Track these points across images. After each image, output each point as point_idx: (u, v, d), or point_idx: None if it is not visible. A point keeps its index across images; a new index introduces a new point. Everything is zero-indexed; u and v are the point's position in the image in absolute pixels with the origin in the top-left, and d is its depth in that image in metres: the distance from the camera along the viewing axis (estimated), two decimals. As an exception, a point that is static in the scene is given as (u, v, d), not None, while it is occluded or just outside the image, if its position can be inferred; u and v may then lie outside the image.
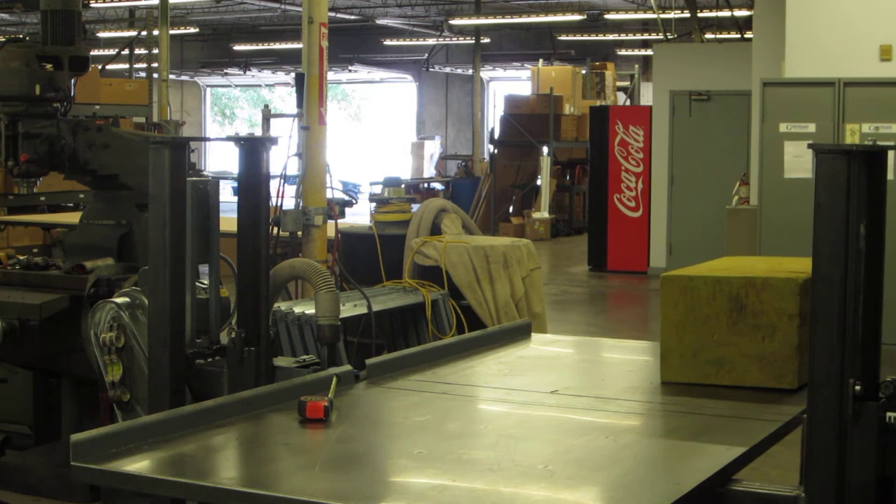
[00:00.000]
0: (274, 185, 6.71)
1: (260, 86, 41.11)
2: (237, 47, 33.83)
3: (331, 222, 7.59)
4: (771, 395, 3.39)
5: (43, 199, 14.47)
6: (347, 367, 3.61)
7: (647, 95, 22.16)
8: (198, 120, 39.76)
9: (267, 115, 13.28)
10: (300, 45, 8.26)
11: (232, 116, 44.15)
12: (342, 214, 8.22)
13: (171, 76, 23.01)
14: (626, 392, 3.57)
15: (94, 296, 5.47)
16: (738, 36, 19.54)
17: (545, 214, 20.56)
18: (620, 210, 15.91)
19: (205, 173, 18.87)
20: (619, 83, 26.02)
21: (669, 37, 20.28)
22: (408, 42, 31.86)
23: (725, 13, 20.60)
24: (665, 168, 14.78)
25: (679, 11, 21.85)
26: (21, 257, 6.30)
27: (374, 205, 7.80)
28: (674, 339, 3.52)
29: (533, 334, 4.49)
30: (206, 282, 4.15)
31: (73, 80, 6.17)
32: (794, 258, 3.79)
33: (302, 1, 8.18)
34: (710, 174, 14.19)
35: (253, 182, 3.91)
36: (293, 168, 7.87)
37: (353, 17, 28.36)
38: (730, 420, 3.21)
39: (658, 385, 3.57)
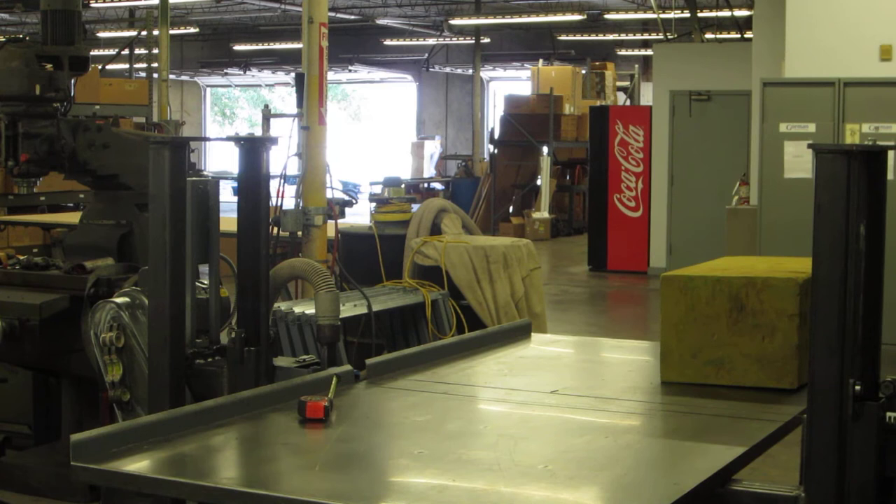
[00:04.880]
0: (274, 185, 6.71)
1: (260, 86, 41.10)
2: (237, 47, 33.83)
3: (331, 222, 7.59)
4: (771, 395, 3.39)
5: (43, 199, 14.48)
6: (347, 367, 3.61)
7: (647, 95, 22.17)
8: (198, 120, 39.75)
9: (267, 115, 13.30)
10: (300, 45, 8.25)
11: (232, 116, 44.15)
12: (342, 214, 8.21)
13: (171, 76, 23.00)
14: (626, 392, 3.57)
15: (94, 296, 5.46)
16: (738, 36, 19.54)
17: (545, 214, 20.56)
18: (620, 210, 15.91)
19: (205, 173, 18.86)
20: (619, 83, 26.02)
21: (669, 37, 20.27)
22: (408, 42, 31.85)
23: (725, 13, 20.60)
24: (665, 168, 14.78)
25: (679, 11, 21.85)
26: (21, 257, 6.30)
27: (374, 205, 7.80)
28: (674, 339, 3.53)
29: (533, 334, 4.49)
30: (206, 282, 4.15)
31: (73, 80, 6.17)
32: (794, 258, 3.79)
33: (302, 1, 8.18)
34: (710, 174, 14.19)
35: (253, 182, 3.91)
36: (293, 168, 7.86)
37: (353, 17, 28.36)
38: (730, 420, 3.21)
39: (658, 385, 3.57)
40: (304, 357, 4.05)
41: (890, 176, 3.37)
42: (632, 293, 14.68)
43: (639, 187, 15.78)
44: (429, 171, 31.64)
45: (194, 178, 3.96)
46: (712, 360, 3.47)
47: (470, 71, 30.70)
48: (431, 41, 31.50)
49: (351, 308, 6.14)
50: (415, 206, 7.86)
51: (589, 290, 14.75)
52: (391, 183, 8.12)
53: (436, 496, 2.54)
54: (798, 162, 10.09)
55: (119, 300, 4.62)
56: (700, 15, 19.92)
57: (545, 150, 21.06)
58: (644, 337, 9.63)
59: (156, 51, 19.97)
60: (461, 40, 30.44)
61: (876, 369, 2.70)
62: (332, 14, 23.50)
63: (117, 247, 6.22)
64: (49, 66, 6.04)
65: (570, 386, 3.68)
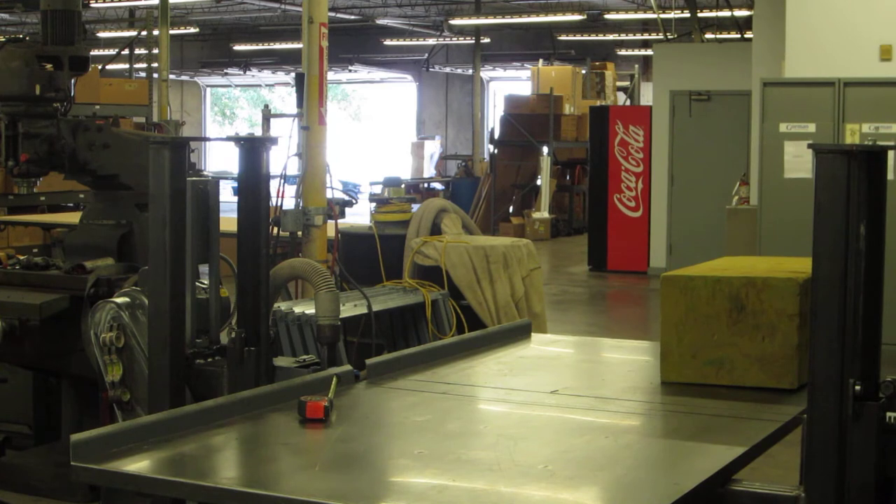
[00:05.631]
0: (274, 185, 6.71)
1: (260, 86, 41.10)
2: (237, 47, 33.82)
3: (331, 222, 7.59)
4: (771, 395, 3.39)
5: (43, 199, 14.48)
6: (347, 367, 3.61)
7: (647, 95, 22.16)
8: (198, 120, 39.75)
9: (267, 115, 13.27)
10: (300, 45, 8.25)
11: (232, 116, 44.13)
12: (342, 214, 8.21)
13: (171, 76, 23.00)
14: (626, 392, 3.57)
15: (94, 296, 5.47)
16: (738, 36, 19.54)
17: (545, 214, 20.56)
18: (620, 210, 15.91)
19: (205, 173, 18.84)
20: (619, 83, 26.02)
21: (669, 37, 20.27)
22: (408, 42, 31.85)
23: (725, 13, 20.60)
24: (665, 168, 14.78)
25: (679, 11, 21.85)
26: (21, 257, 6.30)
27: (374, 205, 7.80)
28: (674, 339, 3.52)
29: (533, 334, 4.49)
30: (206, 282, 4.15)
31: (73, 80, 6.17)
32: (794, 258, 3.79)
33: (302, 1, 8.18)
34: (710, 174, 14.19)
35: (253, 182, 3.92)
36: (293, 168, 7.86)
37: (353, 17, 28.35)
38: (730, 420, 3.21)
39: (658, 385, 3.57)
40: (304, 357, 4.06)
41: (890, 176, 3.36)
42: (632, 293, 14.68)
43: (639, 187, 15.79)
44: (429, 171, 31.63)
45: (194, 178, 3.96)
46: (712, 360, 3.47)
47: (470, 71, 30.69)
48: (431, 41, 31.49)
49: (351, 308, 6.14)
50: (415, 206, 7.86)
51: (589, 290, 14.75)
52: (391, 183, 8.12)
53: (436, 496, 2.54)
54: (798, 162, 10.09)
55: (119, 300, 4.62)
56: (700, 15, 19.92)
57: (545, 150, 21.06)
58: (644, 337, 9.63)
59: (156, 51, 19.97)
60: (461, 40, 30.43)
61: (876, 369, 2.70)
62: (332, 14, 23.50)
63: (117, 247, 6.22)
64: (49, 66, 6.04)
65: (570, 386, 3.68)
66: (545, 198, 20.71)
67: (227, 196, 6.84)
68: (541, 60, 27.41)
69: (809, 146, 2.83)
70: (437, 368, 3.83)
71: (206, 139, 48.85)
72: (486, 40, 29.70)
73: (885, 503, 2.68)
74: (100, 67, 20.50)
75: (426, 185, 26.13)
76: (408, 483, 2.72)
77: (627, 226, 15.84)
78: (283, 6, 25.10)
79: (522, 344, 4.36)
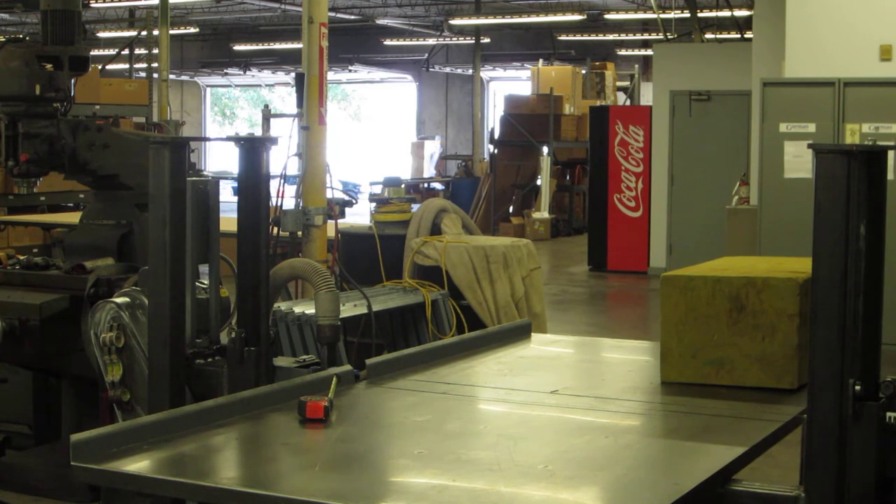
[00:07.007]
0: (274, 185, 6.70)
1: (260, 86, 41.09)
2: (237, 47, 33.83)
3: (331, 222, 7.59)
4: (771, 395, 3.39)
5: (43, 199, 14.49)
6: (347, 367, 3.61)
7: (647, 95, 22.16)
8: (198, 120, 39.74)
9: (267, 115, 13.27)
10: (300, 45, 8.26)
11: (232, 116, 44.13)
12: (342, 214, 8.21)
13: (171, 76, 23.00)
14: (626, 392, 3.57)
15: (94, 296, 5.46)
16: (738, 36, 19.54)
17: (545, 214, 20.56)
18: (620, 210, 15.91)
19: (205, 173, 18.84)
20: (619, 83, 26.02)
21: (669, 37, 20.27)
22: (408, 42, 31.85)
23: (725, 13, 20.60)
24: (665, 168, 14.78)
25: (679, 11, 21.85)
26: (21, 257, 6.30)
27: (374, 205, 7.80)
28: (674, 339, 3.53)
29: (533, 334, 4.49)
30: (206, 282, 4.15)
31: (73, 80, 6.17)
32: (794, 258, 3.79)
33: (302, 1, 8.18)
34: (710, 174, 14.19)
35: (253, 182, 3.92)
36: (293, 168, 7.86)
37: (353, 17, 28.35)
38: (730, 420, 3.21)
39: (658, 385, 3.57)
40: (304, 357, 4.05)
41: (890, 176, 3.37)
42: (632, 293, 14.68)
43: (639, 187, 15.79)
44: (429, 171, 31.63)
45: (194, 178, 3.96)
46: (712, 360, 3.48)
47: (470, 71, 30.68)
48: (431, 41, 31.49)
49: (351, 308, 6.14)
50: (415, 206, 7.86)
51: (589, 290, 14.75)
52: (391, 183, 8.12)
53: (436, 496, 2.54)
54: (798, 162, 10.09)
55: (119, 300, 4.62)
56: (700, 15, 19.92)
57: (545, 150, 21.06)
58: (644, 337, 9.63)
59: (156, 51, 19.97)
60: (461, 40, 30.43)
61: (876, 369, 2.70)
62: (332, 14, 23.50)
63: (117, 247, 6.22)
64: (49, 66, 6.04)
65: (570, 386, 3.69)
66: (545, 198, 20.70)
67: (227, 196, 6.85)
68: (541, 60, 27.41)
69: (809, 146, 2.83)
70: (437, 368, 3.83)
71: (206, 139, 48.86)
72: (486, 40, 29.69)
73: (885, 503, 2.68)
74: (100, 67, 20.50)
75: (426, 185, 26.12)
76: (408, 483, 2.72)
77: (627, 226, 15.84)
78: (283, 6, 25.10)
79: (522, 344, 4.36)
